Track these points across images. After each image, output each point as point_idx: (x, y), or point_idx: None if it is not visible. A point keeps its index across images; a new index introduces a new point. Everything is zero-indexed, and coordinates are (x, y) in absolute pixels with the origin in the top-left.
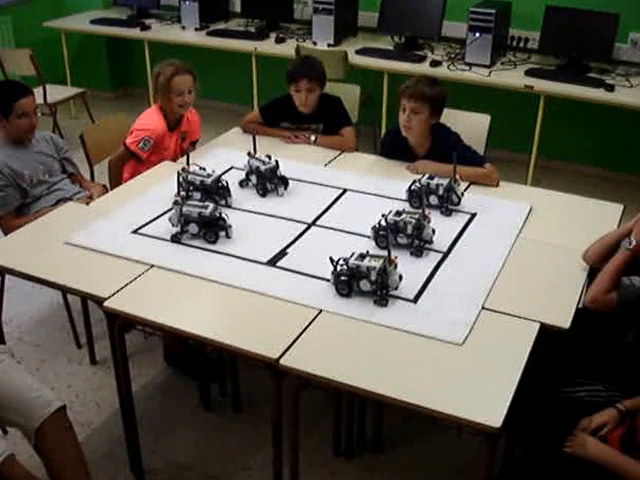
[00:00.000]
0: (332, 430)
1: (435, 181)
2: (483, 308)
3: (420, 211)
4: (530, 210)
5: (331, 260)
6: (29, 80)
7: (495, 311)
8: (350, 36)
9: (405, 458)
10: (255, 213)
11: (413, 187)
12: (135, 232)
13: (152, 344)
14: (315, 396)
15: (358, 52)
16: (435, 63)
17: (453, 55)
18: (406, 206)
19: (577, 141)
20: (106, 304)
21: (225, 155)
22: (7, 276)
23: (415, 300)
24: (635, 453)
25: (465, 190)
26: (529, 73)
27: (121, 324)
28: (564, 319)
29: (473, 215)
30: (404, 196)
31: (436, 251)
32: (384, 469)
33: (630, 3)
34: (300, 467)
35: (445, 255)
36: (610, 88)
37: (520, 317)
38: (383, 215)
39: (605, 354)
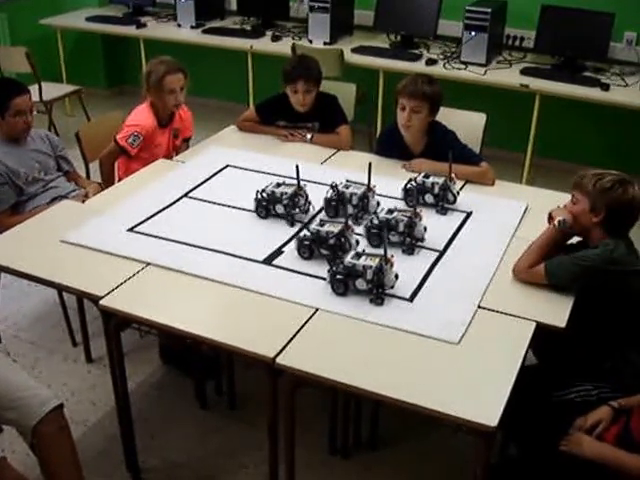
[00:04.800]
0: (328, 428)
1: (431, 179)
2: (479, 307)
3: (412, 209)
4: (526, 209)
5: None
6: (25, 77)
7: (491, 310)
8: (346, 34)
9: (401, 456)
10: (250, 212)
11: (409, 186)
12: (131, 230)
13: (148, 342)
14: (311, 394)
15: (354, 50)
16: (431, 62)
17: (449, 54)
18: (402, 204)
19: (573, 140)
20: (102, 303)
21: (220, 153)
22: (2, 274)
23: (411, 299)
24: (631, 451)
25: (461, 189)
26: (525, 72)
27: (117, 323)
28: (560, 318)
29: (469, 214)
30: (400, 195)
31: (432, 250)
32: (380, 467)
33: (625, 2)
34: (296, 465)
35: (441, 254)
36: (605, 87)
37: (516, 316)
38: (375, 213)
39: (593, 352)
